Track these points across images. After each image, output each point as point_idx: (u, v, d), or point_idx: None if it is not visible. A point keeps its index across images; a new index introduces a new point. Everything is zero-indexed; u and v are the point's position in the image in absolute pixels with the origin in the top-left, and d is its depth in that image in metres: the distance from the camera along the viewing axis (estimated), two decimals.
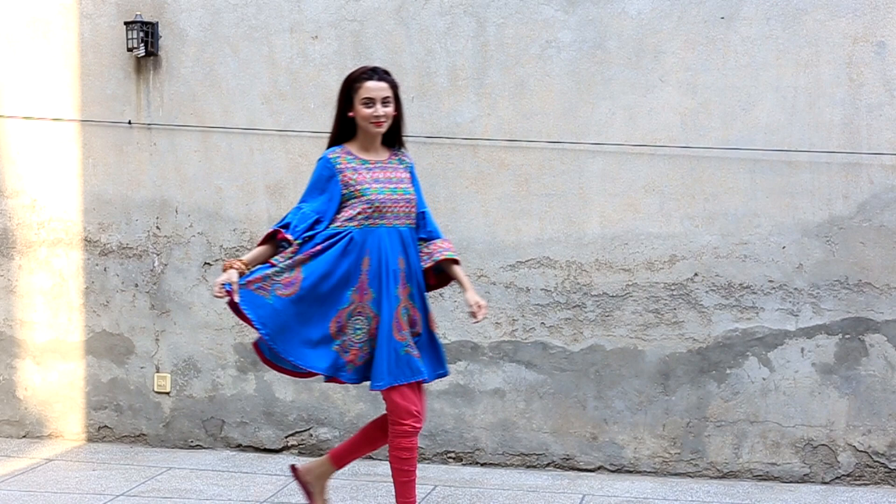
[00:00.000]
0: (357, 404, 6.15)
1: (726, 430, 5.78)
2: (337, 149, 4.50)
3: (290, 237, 4.38)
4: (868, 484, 5.66)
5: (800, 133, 5.67)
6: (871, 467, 5.66)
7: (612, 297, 5.87)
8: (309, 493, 4.73)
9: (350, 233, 4.39)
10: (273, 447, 6.26)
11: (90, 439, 6.50)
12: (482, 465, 6.03)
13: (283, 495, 5.43)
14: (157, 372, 6.40)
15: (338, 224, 4.41)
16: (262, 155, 6.23)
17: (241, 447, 6.30)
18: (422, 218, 4.57)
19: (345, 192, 4.43)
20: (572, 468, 5.93)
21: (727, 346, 5.76)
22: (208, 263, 6.29)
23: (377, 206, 4.41)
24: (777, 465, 5.74)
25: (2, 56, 6.52)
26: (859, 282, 5.63)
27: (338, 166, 4.44)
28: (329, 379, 4.48)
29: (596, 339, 5.89)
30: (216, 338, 6.30)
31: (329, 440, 6.15)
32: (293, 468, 4.78)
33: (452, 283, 4.65)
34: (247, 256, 4.43)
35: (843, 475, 5.68)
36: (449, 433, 6.06)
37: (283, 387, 6.22)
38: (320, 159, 4.50)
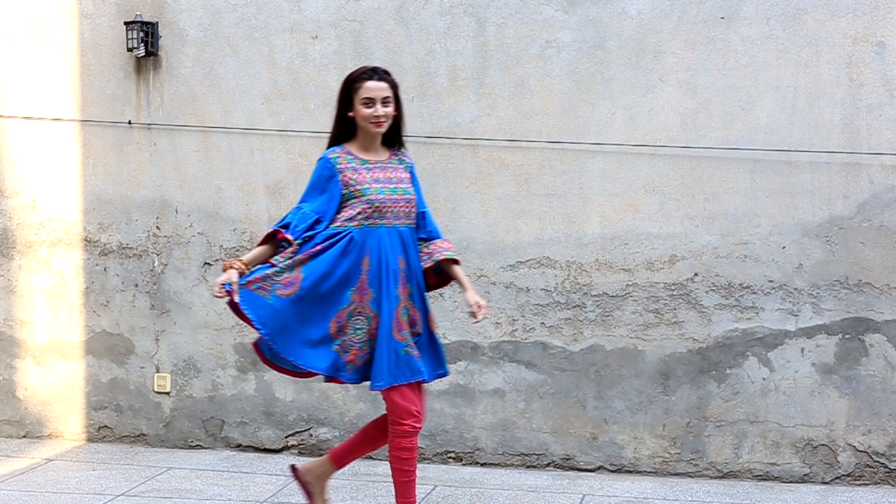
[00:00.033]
0: (357, 404, 6.15)
1: (726, 430, 5.78)
2: (337, 149, 4.50)
3: (290, 237, 4.38)
4: (868, 484, 5.66)
5: (800, 133, 5.67)
6: (871, 467, 5.66)
7: (612, 297, 5.87)
8: (309, 493, 4.73)
9: (350, 233, 4.39)
10: (273, 447, 6.26)
11: (90, 439, 6.50)
12: (482, 465, 6.03)
13: (283, 495, 5.43)
14: (157, 372, 6.40)
15: (338, 224, 4.41)
16: (262, 155, 6.23)
17: (241, 447, 6.31)
18: (422, 218, 4.57)
19: (345, 192, 4.43)
20: (572, 468, 5.93)
21: (727, 346, 5.76)
22: (208, 263, 6.29)
23: (377, 207, 4.40)
24: (777, 465, 5.74)
25: (2, 56, 6.52)
26: (859, 282, 5.63)
27: (338, 166, 4.44)
28: (329, 379, 4.48)
29: (596, 339, 5.89)
30: (216, 338, 6.30)
31: (329, 440, 6.15)
32: (293, 468, 4.78)
33: (452, 283, 4.65)
34: (247, 256, 4.43)
35: (843, 475, 5.68)
36: (449, 433, 6.06)
37: (283, 387, 6.22)
38: (320, 159, 4.50)
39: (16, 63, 6.50)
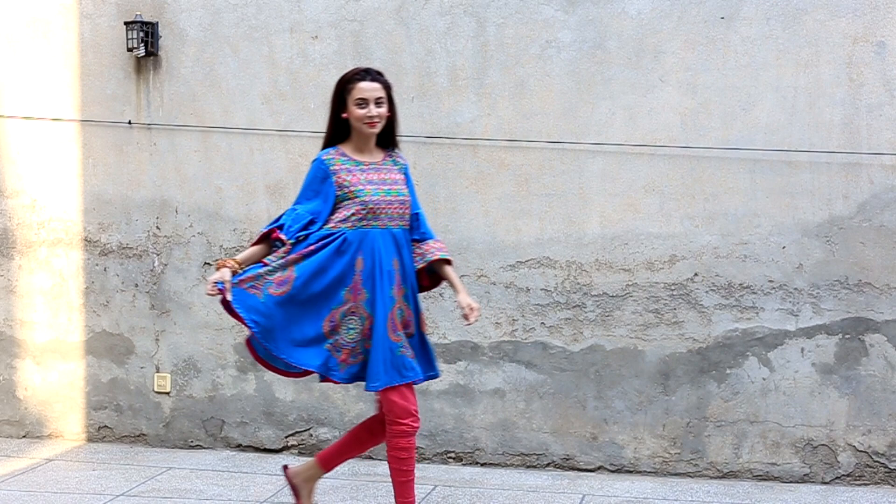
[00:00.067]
0: (357, 404, 6.15)
1: (726, 430, 5.78)
2: (331, 150, 4.51)
3: (283, 237, 4.39)
4: (868, 484, 5.65)
5: (800, 133, 5.67)
6: (871, 467, 5.66)
7: (612, 297, 5.87)
8: (297, 495, 4.77)
9: (343, 234, 4.40)
10: (273, 447, 6.26)
11: (90, 439, 6.50)
12: (482, 465, 6.03)
13: (282, 495, 5.43)
14: (157, 372, 6.40)
15: (332, 225, 4.42)
16: (262, 155, 6.23)
17: (241, 447, 6.31)
18: (415, 219, 4.57)
19: (339, 193, 4.43)
20: (572, 468, 5.93)
21: (727, 346, 5.76)
22: (208, 263, 6.29)
23: (371, 208, 4.41)
24: (777, 465, 5.74)
25: (2, 56, 6.53)
26: (859, 282, 5.63)
27: (332, 167, 4.45)
28: (324, 379, 4.49)
29: (596, 339, 5.89)
30: (216, 338, 6.30)
31: (329, 440, 6.15)
32: (285, 468, 4.81)
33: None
34: (240, 256, 4.46)
35: (843, 475, 5.68)
36: (449, 433, 6.06)
37: (283, 387, 6.22)
38: (314, 161, 4.51)
39: (16, 63, 6.51)
